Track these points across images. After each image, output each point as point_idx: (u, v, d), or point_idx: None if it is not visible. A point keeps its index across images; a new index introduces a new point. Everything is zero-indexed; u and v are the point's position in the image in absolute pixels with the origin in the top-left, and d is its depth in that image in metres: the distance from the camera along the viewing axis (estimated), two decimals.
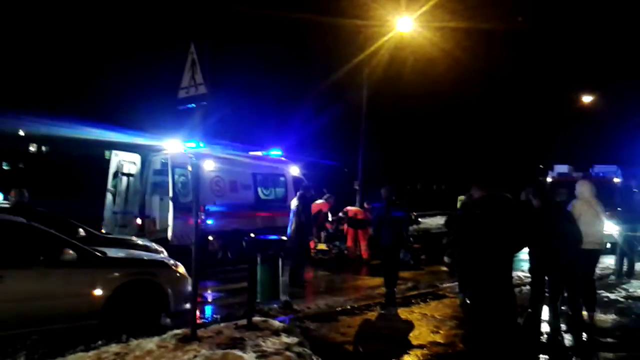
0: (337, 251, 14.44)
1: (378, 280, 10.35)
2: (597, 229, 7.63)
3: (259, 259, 7.27)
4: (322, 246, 14.35)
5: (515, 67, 29.03)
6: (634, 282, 10.57)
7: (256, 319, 6.92)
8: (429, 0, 18.00)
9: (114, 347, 5.87)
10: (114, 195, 13.20)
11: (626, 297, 9.34)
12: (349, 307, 8.65)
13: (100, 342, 6.07)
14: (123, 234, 11.70)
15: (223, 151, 14.07)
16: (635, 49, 32.64)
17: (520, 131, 31.07)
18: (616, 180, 16.05)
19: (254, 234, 8.43)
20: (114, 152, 13.39)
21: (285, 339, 6.28)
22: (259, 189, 14.82)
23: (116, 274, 6.76)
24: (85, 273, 6.59)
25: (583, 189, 7.86)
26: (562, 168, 18.40)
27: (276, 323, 6.98)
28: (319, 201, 14.27)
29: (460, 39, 22.38)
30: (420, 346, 6.68)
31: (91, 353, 5.75)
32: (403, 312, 8.41)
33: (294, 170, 16.00)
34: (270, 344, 6.06)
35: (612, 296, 9.35)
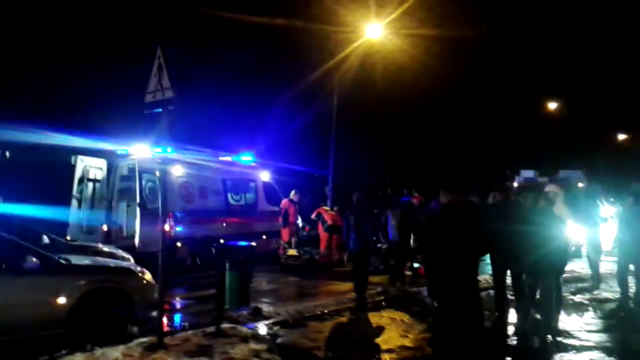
0: (307, 257, 14.42)
1: (348, 286, 10.36)
2: (562, 232, 7.78)
3: (227, 265, 7.21)
4: (292, 252, 14.31)
5: (482, 73, 29.41)
6: (599, 285, 10.77)
7: (225, 326, 6.86)
8: (398, 8, 18.23)
9: (79, 357, 5.76)
10: (79, 202, 12.95)
11: (590, 300, 9.55)
12: (319, 312, 8.63)
13: (64, 352, 5.94)
14: (89, 241, 11.45)
15: (192, 156, 13.91)
16: (602, 56, 33.47)
17: (488, 137, 31.52)
18: (580, 184, 16.43)
19: (223, 240, 8.37)
20: (80, 157, 13.12)
21: (254, 345, 6.24)
22: (229, 195, 14.71)
23: (81, 282, 6.63)
24: (48, 281, 6.46)
25: (549, 193, 8.02)
26: (528, 173, 18.87)
27: (245, 330, 6.94)
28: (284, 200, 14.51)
29: (429, 45, 22.61)
30: (389, 350, 6.71)
31: None
32: (373, 317, 8.45)
33: (265, 176, 15.95)
34: (238, 351, 6.02)
35: (576, 299, 9.55)
